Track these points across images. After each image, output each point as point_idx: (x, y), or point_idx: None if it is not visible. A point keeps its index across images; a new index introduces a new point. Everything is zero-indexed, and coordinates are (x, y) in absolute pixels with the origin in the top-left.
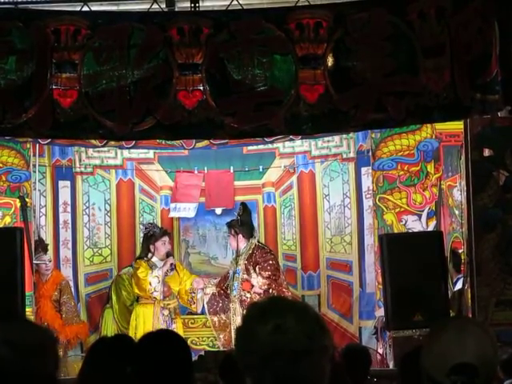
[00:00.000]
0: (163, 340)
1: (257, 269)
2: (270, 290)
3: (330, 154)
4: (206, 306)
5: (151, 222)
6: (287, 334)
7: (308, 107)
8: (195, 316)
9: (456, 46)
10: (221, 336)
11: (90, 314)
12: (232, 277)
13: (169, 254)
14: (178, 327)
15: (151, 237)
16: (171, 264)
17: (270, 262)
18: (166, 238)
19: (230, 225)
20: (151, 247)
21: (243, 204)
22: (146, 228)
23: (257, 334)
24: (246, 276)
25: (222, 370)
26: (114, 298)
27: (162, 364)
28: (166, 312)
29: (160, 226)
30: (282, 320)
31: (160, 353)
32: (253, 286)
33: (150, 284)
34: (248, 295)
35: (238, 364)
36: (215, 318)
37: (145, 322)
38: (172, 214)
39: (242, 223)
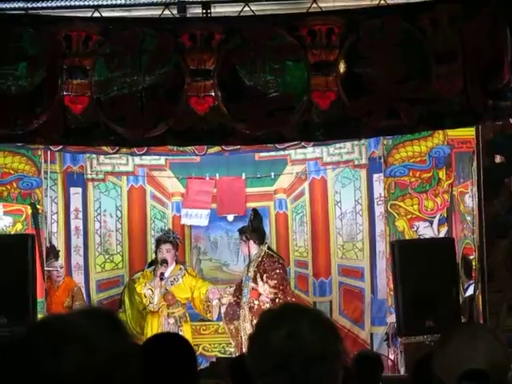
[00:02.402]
0: (167, 342)
1: (264, 277)
2: (277, 300)
3: (342, 161)
4: (222, 315)
5: (168, 228)
6: (301, 339)
7: (320, 114)
8: (207, 322)
9: (468, 53)
10: (234, 343)
11: None
12: (243, 283)
13: (163, 262)
14: (185, 335)
15: (156, 244)
16: (160, 273)
17: (278, 271)
18: (167, 246)
19: (241, 231)
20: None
21: (254, 210)
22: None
23: (270, 340)
24: (253, 284)
25: (232, 375)
26: (126, 302)
27: (165, 365)
28: (171, 320)
29: (173, 233)
30: (296, 326)
31: (163, 354)
32: (260, 294)
33: (145, 296)
34: (256, 302)
35: (249, 370)
36: (231, 327)
37: (152, 329)
38: (184, 221)
39: (254, 229)
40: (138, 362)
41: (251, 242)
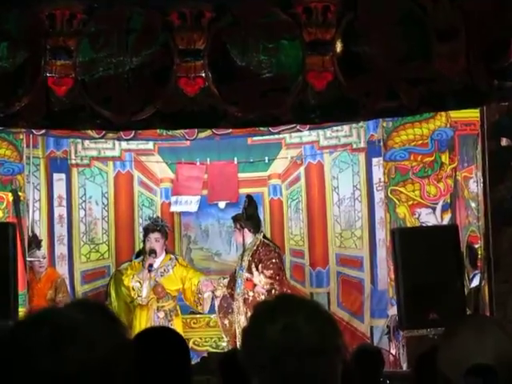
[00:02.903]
0: (158, 336)
1: (259, 267)
2: (273, 291)
3: (339, 145)
4: (216, 309)
5: (157, 216)
6: (297, 332)
7: (316, 95)
8: (198, 316)
9: (471, 30)
10: (227, 337)
11: None
12: (237, 273)
13: (151, 253)
14: (175, 329)
15: (144, 233)
16: (149, 265)
17: (274, 260)
18: (155, 235)
19: (235, 218)
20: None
21: (249, 196)
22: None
23: (265, 334)
24: (248, 274)
25: (223, 371)
26: (112, 294)
27: (158, 361)
28: (161, 314)
29: (162, 221)
30: (292, 318)
31: (155, 349)
32: (255, 285)
33: (133, 289)
34: (251, 293)
35: (242, 365)
36: (226, 321)
37: (140, 323)
38: (173, 208)
39: (248, 217)
40: (134, 356)
41: (246, 230)
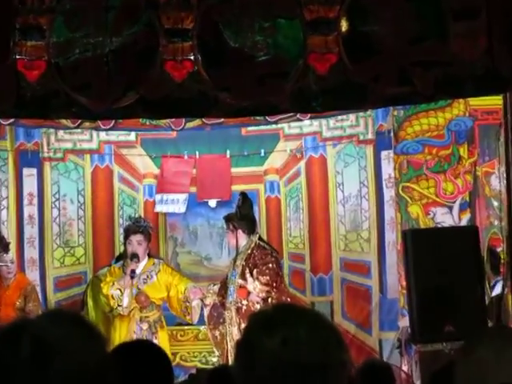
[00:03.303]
0: (137, 352)
1: (254, 273)
2: (269, 300)
3: (345, 136)
4: (206, 319)
5: (139, 216)
6: (298, 346)
7: (318, 80)
8: (185, 327)
9: (494, 8)
10: (218, 351)
11: None
12: (229, 280)
13: (133, 257)
14: (161, 342)
15: (124, 235)
16: (131, 271)
17: (270, 265)
18: (137, 237)
19: (227, 218)
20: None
21: (243, 194)
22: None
23: (262, 348)
24: (241, 281)
25: None
26: (90, 303)
27: (135, 379)
28: (144, 326)
29: (144, 222)
30: (292, 331)
31: (133, 366)
32: (249, 292)
33: (113, 297)
34: (245, 302)
35: (236, 381)
36: (216, 333)
37: (120, 336)
38: (158, 208)
39: (242, 216)
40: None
41: (239, 231)
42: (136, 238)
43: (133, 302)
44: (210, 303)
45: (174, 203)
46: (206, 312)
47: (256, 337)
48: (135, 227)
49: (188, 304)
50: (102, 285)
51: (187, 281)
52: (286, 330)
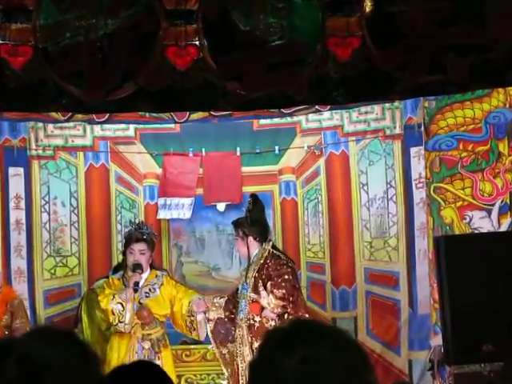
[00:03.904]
0: (138, 375)
1: (268, 285)
2: (285, 316)
3: (369, 130)
4: (210, 335)
5: (141, 221)
6: (319, 367)
7: (339, 67)
8: (191, 346)
9: None
10: (228, 372)
11: None
12: (240, 293)
13: (136, 268)
14: (164, 363)
15: (125, 243)
16: (134, 283)
17: (286, 277)
18: (140, 246)
19: (236, 224)
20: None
21: (253, 196)
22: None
23: (279, 369)
24: (253, 295)
25: None
26: (85, 319)
27: None
28: (146, 345)
29: (147, 228)
30: (312, 350)
31: None
32: (263, 308)
33: (113, 313)
34: (257, 319)
35: None
36: (224, 351)
37: (119, 356)
38: (162, 215)
39: (253, 221)
40: None
41: (250, 238)
42: (138, 247)
43: (134, 318)
44: (213, 318)
45: (178, 208)
46: (210, 327)
47: (273, 356)
48: (138, 234)
49: (193, 318)
50: (99, 298)
51: (193, 293)
52: (305, 349)
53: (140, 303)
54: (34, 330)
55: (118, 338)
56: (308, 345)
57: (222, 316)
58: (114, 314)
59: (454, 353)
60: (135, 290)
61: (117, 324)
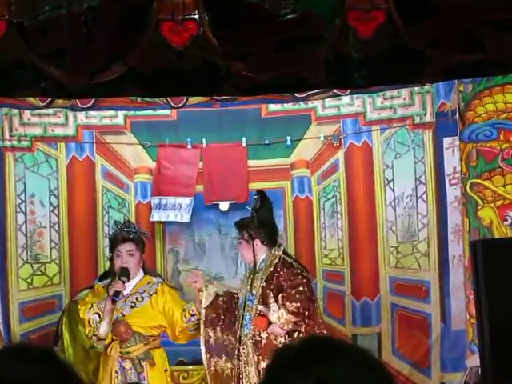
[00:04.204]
0: None
1: (279, 298)
2: (296, 334)
3: (395, 118)
4: (202, 348)
5: (127, 220)
6: None
7: (361, 45)
8: (189, 367)
9: None
10: None
11: None
12: (243, 305)
13: (122, 274)
14: None
15: (111, 246)
16: (114, 292)
17: (301, 288)
18: (127, 246)
19: (240, 225)
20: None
21: (261, 193)
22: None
23: None
24: (261, 307)
25: None
26: (66, 336)
27: None
28: (127, 364)
29: (135, 227)
30: (327, 371)
31: None
32: (270, 322)
33: (89, 324)
34: (264, 335)
35: None
36: (217, 365)
37: (103, 378)
38: (156, 217)
39: (260, 222)
40: None
41: (257, 241)
42: (126, 248)
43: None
44: (210, 296)
45: (174, 209)
46: (202, 325)
47: (283, 377)
48: (124, 234)
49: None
50: (79, 307)
51: (184, 304)
52: (319, 370)
53: (122, 314)
54: (8, 347)
55: (103, 356)
56: (322, 366)
57: (220, 302)
58: (90, 326)
59: (494, 375)
60: (113, 301)
61: (91, 337)
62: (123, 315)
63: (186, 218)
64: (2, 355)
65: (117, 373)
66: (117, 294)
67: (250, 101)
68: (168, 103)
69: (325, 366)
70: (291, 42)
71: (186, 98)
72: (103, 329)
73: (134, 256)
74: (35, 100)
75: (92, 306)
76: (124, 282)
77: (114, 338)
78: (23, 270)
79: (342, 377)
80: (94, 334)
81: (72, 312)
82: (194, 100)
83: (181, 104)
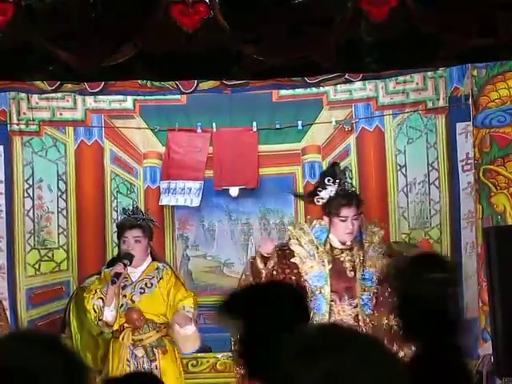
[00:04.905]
0: None
1: None
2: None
3: (408, 103)
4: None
5: (135, 206)
6: (344, 383)
7: (373, 29)
8: (199, 355)
9: None
10: None
11: None
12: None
13: (124, 257)
14: (164, 373)
15: (118, 232)
16: (114, 273)
17: None
18: (134, 232)
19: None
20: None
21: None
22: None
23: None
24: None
25: None
26: (74, 323)
27: None
28: (140, 352)
29: (143, 213)
30: (337, 362)
31: None
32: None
33: (94, 310)
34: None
35: None
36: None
37: (113, 366)
38: (165, 201)
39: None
40: None
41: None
42: (133, 234)
43: (121, 320)
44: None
45: (184, 193)
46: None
47: (292, 368)
48: (132, 220)
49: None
50: (84, 294)
51: (191, 296)
52: (329, 361)
53: (132, 301)
54: (14, 334)
55: (113, 343)
56: (332, 356)
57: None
58: (95, 312)
59: (506, 363)
60: (112, 282)
61: (97, 323)
62: (133, 301)
63: (196, 202)
64: (9, 342)
65: (128, 361)
66: (117, 275)
67: (261, 86)
68: (178, 88)
69: (336, 355)
70: (303, 25)
71: (195, 83)
72: (109, 314)
73: (140, 243)
74: (43, 84)
75: (96, 292)
76: (126, 265)
77: (126, 325)
78: (30, 255)
79: (351, 370)
80: (99, 319)
81: (80, 298)
82: (204, 85)
83: (191, 89)
